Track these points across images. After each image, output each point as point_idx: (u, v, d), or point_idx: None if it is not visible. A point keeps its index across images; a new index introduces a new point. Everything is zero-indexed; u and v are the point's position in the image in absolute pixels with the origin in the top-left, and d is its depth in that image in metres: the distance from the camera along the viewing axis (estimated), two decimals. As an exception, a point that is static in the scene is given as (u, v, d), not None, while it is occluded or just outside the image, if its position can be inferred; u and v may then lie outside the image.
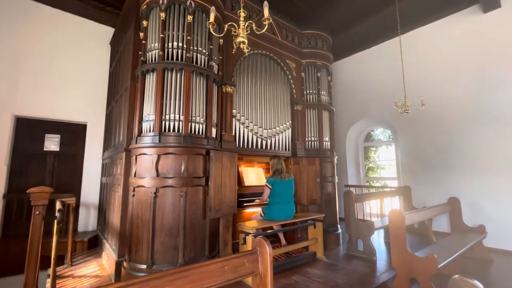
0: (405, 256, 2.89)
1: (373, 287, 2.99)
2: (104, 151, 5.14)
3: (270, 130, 4.23)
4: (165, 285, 1.31)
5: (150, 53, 3.19)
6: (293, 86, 4.69)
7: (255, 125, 4.04)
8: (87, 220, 5.00)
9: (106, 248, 3.69)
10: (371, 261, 3.76)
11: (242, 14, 1.85)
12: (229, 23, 2.01)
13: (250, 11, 4.09)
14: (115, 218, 3.47)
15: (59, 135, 5.04)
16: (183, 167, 2.93)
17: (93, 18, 5.42)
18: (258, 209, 3.90)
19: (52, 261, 2.69)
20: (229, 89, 3.69)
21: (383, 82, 6.27)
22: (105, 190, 4.55)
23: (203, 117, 3.21)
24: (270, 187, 3.56)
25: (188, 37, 3.18)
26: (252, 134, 3.98)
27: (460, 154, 4.91)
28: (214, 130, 3.39)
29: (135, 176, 2.99)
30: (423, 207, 4.29)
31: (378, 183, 7.00)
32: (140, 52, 3.36)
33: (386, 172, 6.92)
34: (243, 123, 3.89)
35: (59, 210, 2.53)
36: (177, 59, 3.13)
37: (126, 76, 3.72)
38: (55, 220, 2.58)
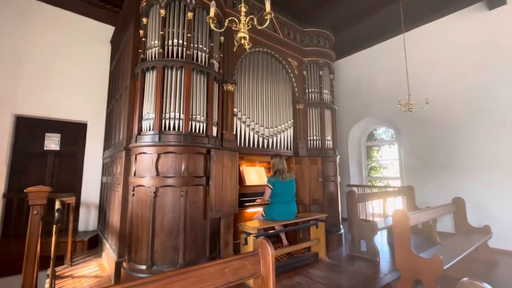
0: (410, 257, 2.83)
1: (376, 289, 2.93)
2: (104, 150, 5.11)
3: (272, 129, 4.18)
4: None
5: (150, 50, 3.14)
6: (295, 84, 4.63)
7: (256, 123, 3.99)
8: (87, 220, 4.97)
9: (106, 248, 3.65)
10: (374, 262, 3.71)
11: (243, 9, 1.80)
12: (229, 18, 1.96)
13: (251, 8, 4.03)
14: (115, 218, 3.43)
15: (59, 134, 5.01)
16: (183, 166, 2.88)
17: (93, 16, 5.38)
18: (260, 209, 3.85)
19: (51, 261, 2.65)
20: (230, 87, 3.64)
21: (385, 81, 6.20)
22: (105, 190, 4.51)
23: (203, 116, 3.16)
24: (271, 187, 3.51)
25: (189, 35, 3.14)
26: (254, 133, 3.93)
27: (465, 153, 4.84)
28: (215, 129, 3.34)
29: (134, 175, 2.95)
30: (427, 207, 4.23)
31: (381, 182, 6.93)
32: (140, 50, 3.32)
33: (388, 171, 6.85)
34: (244, 122, 3.84)
35: (57, 210, 2.50)
36: (177, 56, 3.09)
37: (126, 74, 3.67)
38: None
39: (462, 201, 4.17)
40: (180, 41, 3.12)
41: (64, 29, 5.09)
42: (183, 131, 2.94)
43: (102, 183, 4.96)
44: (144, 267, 2.70)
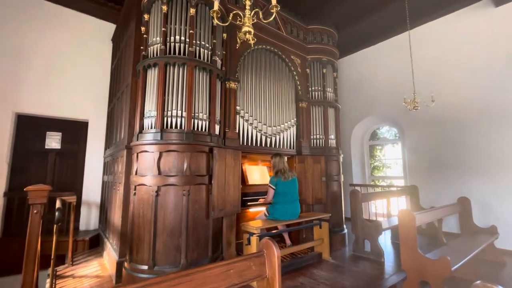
0: (416, 258, 2.78)
1: (382, 290, 2.88)
2: (105, 149, 5.07)
3: (275, 128, 4.13)
4: (165, 290, 1.22)
5: (151, 47, 3.09)
6: (298, 82, 4.57)
7: (259, 122, 3.93)
8: (89, 219, 4.94)
9: (107, 248, 3.61)
10: (378, 262, 3.65)
11: (248, 2, 1.74)
12: (234, 12, 1.91)
13: (254, 5, 3.97)
14: (116, 217, 3.39)
15: (61, 133, 4.97)
16: (185, 165, 2.84)
17: (95, 14, 5.34)
18: (262, 209, 3.80)
19: (52, 260, 2.61)
20: (232, 85, 3.59)
21: (390, 79, 6.13)
22: (106, 189, 4.47)
23: (206, 114, 3.11)
24: (274, 187, 3.46)
25: (191, 31, 3.08)
26: (256, 131, 3.88)
27: (470, 152, 4.77)
28: (217, 127, 3.28)
29: (136, 174, 2.90)
30: (431, 207, 4.16)
31: (384, 182, 6.86)
32: (141, 47, 3.27)
33: (392, 171, 6.78)
34: (247, 120, 3.78)
35: (57, 209, 2.45)
36: (179, 53, 3.03)
37: (127, 72, 3.63)
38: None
39: (467, 201, 4.10)
40: (182, 38, 3.07)
41: (65, 27, 5.04)
42: (185, 129, 2.89)
43: (103, 182, 4.93)
44: (145, 267, 2.66)
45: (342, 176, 4.79)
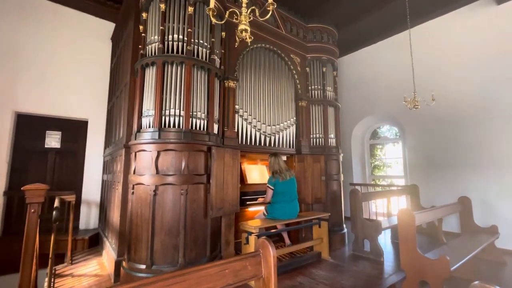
0: (415, 258, 2.76)
1: (381, 290, 2.87)
2: (105, 148, 5.08)
3: (274, 127, 4.11)
4: (159, 290, 1.21)
5: (149, 46, 3.08)
6: (297, 81, 4.55)
7: (258, 121, 3.92)
8: (89, 218, 4.94)
9: (107, 247, 3.62)
10: (378, 262, 3.63)
11: (245, 0, 1.72)
12: (230, 10, 1.89)
13: (253, 3, 3.95)
14: (115, 216, 3.39)
15: (60, 132, 4.98)
16: (183, 164, 2.83)
17: (94, 13, 5.33)
18: (262, 208, 3.79)
19: (50, 260, 2.62)
20: (231, 83, 3.57)
21: (390, 78, 6.09)
22: (106, 188, 4.48)
23: (204, 113, 3.10)
24: (272, 188, 3.45)
25: (189, 30, 3.07)
26: (255, 130, 3.86)
27: (471, 151, 4.73)
28: (216, 126, 3.27)
29: (134, 173, 2.90)
30: (432, 207, 4.15)
31: (384, 181, 6.84)
32: (140, 46, 3.26)
33: (392, 170, 6.75)
34: (246, 119, 3.77)
35: (55, 208, 2.45)
36: (177, 52, 3.02)
37: (126, 70, 3.62)
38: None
39: (468, 200, 4.08)
40: (181, 36, 3.06)
41: (64, 26, 5.04)
42: (184, 128, 2.88)
43: (103, 181, 4.93)
44: (143, 266, 2.65)
45: (342, 176, 4.77)
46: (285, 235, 3.76)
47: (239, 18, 1.75)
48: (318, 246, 3.79)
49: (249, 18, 1.76)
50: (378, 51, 6.43)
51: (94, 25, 5.35)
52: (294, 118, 4.47)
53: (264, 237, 1.63)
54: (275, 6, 1.61)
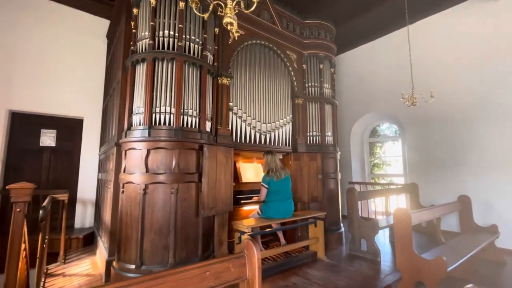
0: (411, 258, 2.69)
1: (376, 291, 2.80)
2: (100, 146, 5.04)
3: (270, 125, 4.04)
4: (134, 294, 1.16)
5: (140, 42, 3.02)
6: (294, 78, 4.47)
7: (253, 119, 3.85)
8: (84, 217, 4.92)
9: (100, 246, 3.58)
10: (375, 262, 3.57)
11: (229, -9, 1.66)
12: (215, 2, 1.82)
13: (247, -2, 3.87)
14: (107, 215, 3.35)
15: (55, 130, 4.95)
16: (174, 163, 2.77)
17: (89, 10, 5.28)
18: (257, 207, 3.73)
19: (37, 260, 2.58)
20: (225, 80, 3.51)
21: (389, 75, 5.99)
22: (100, 186, 4.44)
23: (196, 110, 3.04)
24: (267, 186, 3.39)
25: (180, 25, 3.00)
26: (250, 128, 3.80)
27: (472, 150, 4.64)
28: (208, 124, 3.21)
29: (124, 171, 2.85)
30: (431, 206, 4.07)
31: (384, 180, 6.75)
32: (131, 42, 3.20)
33: (392, 168, 6.66)
34: (240, 117, 3.70)
35: (42, 208, 2.41)
36: (168, 48, 2.96)
37: (118, 68, 3.56)
38: (46, 217, 2.47)
39: (468, 199, 3.99)
40: (172, 32, 2.99)
41: (59, 23, 4.99)
42: (174, 125, 2.83)
43: (98, 179, 4.90)
44: (133, 266, 2.61)
45: (339, 174, 4.70)
46: (280, 235, 3.71)
47: (224, 11, 1.69)
48: (314, 245, 3.73)
49: (235, 10, 1.70)
50: (377, 48, 6.33)
51: (90, 22, 5.30)
52: (291, 115, 4.40)
53: (249, 238, 1.57)
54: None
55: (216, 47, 3.51)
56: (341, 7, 5.24)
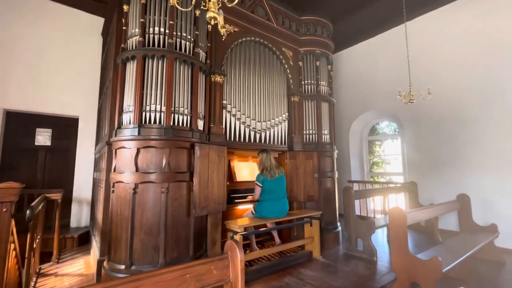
0: (406, 258, 2.64)
1: (370, 292, 2.75)
2: (96, 145, 5.01)
3: (265, 123, 3.99)
4: (107, 297, 1.12)
5: (130, 40, 2.97)
6: (289, 75, 4.41)
7: (248, 117, 3.80)
8: (80, 216, 4.90)
9: (93, 246, 3.57)
10: (371, 262, 3.52)
11: (212, -16, 1.61)
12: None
13: (240, -5, 3.81)
14: (99, 214, 3.32)
15: (51, 130, 4.93)
16: (164, 162, 2.73)
17: (84, 8, 5.24)
18: (252, 206, 3.69)
19: (26, 260, 2.55)
20: (218, 78, 3.46)
21: (388, 73, 5.91)
22: (95, 186, 4.42)
23: (187, 108, 2.99)
24: (261, 185, 3.34)
25: (171, 22, 2.95)
26: (245, 126, 3.75)
27: (471, 148, 4.56)
28: (200, 122, 3.17)
29: (114, 171, 2.81)
30: (430, 204, 4.00)
31: (383, 178, 6.68)
32: (122, 40, 3.15)
33: (391, 167, 6.59)
34: (234, 115, 3.65)
35: (29, 207, 2.38)
36: (158, 45, 2.91)
37: (110, 66, 3.52)
38: (28, 218, 2.44)
39: (467, 198, 3.92)
40: (162, 29, 2.94)
41: (54, 22, 4.96)
42: (165, 124, 2.78)
43: (93, 178, 4.88)
44: (123, 267, 2.58)
45: (336, 173, 4.64)
46: (275, 234, 3.66)
47: (207, 5, 1.63)
48: (309, 245, 3.68)
49: (218, 4, 1.64)
50: (375, 46, 6.24)
51: (85, 20, 5.27)
52: (286, 114, 4.34)
53: (232, 240, 1.52)
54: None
55: (209, 44, 3.45)
56: (337, 4, 5.16)
